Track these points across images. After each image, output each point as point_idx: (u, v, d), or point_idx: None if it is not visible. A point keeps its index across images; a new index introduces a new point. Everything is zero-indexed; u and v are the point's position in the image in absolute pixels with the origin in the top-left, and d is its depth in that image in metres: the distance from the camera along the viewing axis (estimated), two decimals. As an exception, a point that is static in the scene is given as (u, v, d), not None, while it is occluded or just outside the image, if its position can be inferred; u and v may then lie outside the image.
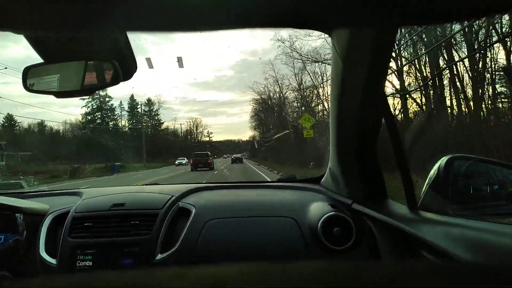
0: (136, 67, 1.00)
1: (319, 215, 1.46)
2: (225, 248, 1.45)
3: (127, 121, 59.78)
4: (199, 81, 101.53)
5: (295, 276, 0.33)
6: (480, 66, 10.60)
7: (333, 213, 1.44)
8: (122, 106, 60.01)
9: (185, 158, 40.14)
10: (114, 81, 0.93)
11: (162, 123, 61.40)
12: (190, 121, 76.89)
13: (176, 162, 40.20)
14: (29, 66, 0.98)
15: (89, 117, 55.74)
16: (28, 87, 0.98)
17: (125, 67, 0.95)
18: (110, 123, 56.44)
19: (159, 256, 1.44)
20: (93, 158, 36.19)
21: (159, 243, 1.46)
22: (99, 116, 56.03)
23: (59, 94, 0.99)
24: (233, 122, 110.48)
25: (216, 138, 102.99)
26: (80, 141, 46.95)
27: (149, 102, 60.86)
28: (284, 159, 25.44)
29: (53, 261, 1.45)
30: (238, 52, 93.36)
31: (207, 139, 70.02)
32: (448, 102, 11.54)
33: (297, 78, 28.78)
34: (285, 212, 1.55)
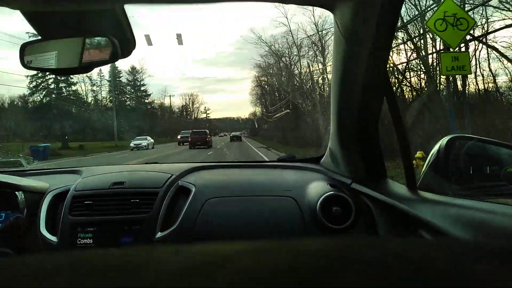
0: (135, 44, 0.98)
1: (319, 194, 1.46)
2: (224, 227, 1.46)
3: (108, 92, 47.61)
4: (198, 58, 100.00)
5: (298, 253, 0.33)
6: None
7: (332, 192, 1.45)
8: (102, 75, 46.97)
9: (148, 137, 27.66)
10: (113, 58, 0.92)
11: (149, 95, 50.89)
12: (186, 96, 71.21)
13: (131, 144, 25.33)
14: (26, 42, 0.96)
15: (38, 81, 37.63)
16: (25, 64, 0.96)
17: (124, 44, 0.93)
18: (68, 88, 39.69)
19: (159, 234, 1.45)
20: (56, 136, 29.82)
21: (159, 221, 1.47)
22: (52, 80, 37.42)
23: (57, 71, 0.98)
24: (232, 100, 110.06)
25: (215, 115, 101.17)
26: (28, 113, 35.68)
27: (133, 71, 49.04)
28: (302, 139, 19.06)
29: (53, 238, 1.47)
30: (238, 29, 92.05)
31: (204, 115, 64.80)
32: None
33: (318, 27, 23.45)
34: (284, 192, 1.56)
